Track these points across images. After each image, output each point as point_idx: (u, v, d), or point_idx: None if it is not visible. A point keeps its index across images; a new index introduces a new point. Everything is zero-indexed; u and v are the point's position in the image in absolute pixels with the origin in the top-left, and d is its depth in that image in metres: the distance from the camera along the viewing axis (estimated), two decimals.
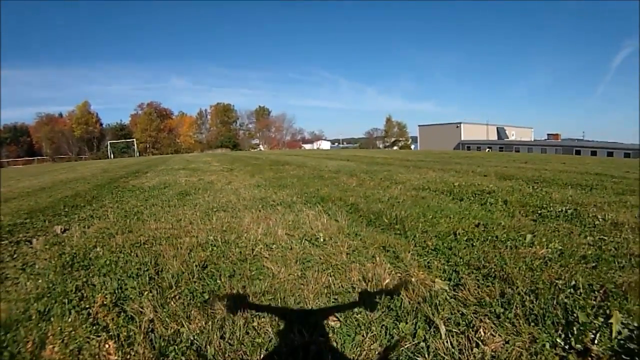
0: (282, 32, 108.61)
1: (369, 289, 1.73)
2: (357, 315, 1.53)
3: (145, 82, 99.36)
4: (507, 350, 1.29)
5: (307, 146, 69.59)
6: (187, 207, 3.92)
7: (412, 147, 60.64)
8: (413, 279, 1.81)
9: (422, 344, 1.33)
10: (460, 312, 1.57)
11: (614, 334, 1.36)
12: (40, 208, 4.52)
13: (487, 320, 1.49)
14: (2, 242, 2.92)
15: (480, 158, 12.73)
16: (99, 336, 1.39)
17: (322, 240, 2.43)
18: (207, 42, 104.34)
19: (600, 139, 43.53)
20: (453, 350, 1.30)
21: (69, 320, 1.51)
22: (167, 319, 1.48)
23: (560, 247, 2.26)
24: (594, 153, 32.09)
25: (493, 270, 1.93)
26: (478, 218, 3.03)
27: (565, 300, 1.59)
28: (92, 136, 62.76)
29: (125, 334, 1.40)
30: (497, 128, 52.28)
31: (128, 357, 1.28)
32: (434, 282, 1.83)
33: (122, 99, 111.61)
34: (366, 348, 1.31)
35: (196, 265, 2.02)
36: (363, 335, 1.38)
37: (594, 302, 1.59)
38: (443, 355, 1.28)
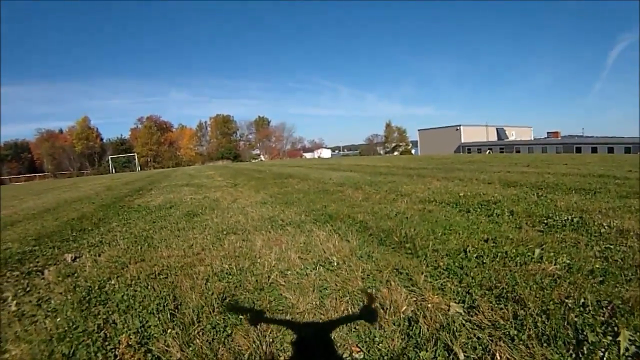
0: (281, 41, 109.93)
1: (387, 317, 1.76)
2: (379, 345, 1.56)
3: (144, 96, 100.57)
4: None
5: (308, 155, 69.76)
6: (196, 230, 3.97)
7: (413, 151, 60.75)
8: (429, 305, 1.85)
9: None
10: (477, 336, 1.61)
11: (621, 351, 1.42)
12: (47, 233, 4.56)
13: (502, 344, 1.53)
14: (14, 273, 2.94)
15: (482, 162, 12.78)
16: None
17: (335, 264, 2.47)
18: (205, 53, 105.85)
19: (600, 134, 43.60)
20: None
21: None
22: (194, 357, 1.51)
23: (568, 261, 2.29)
24: (594, 149, 32.12)
25: (505, 290, 1.97)
26: (486, 232, 3.07)
27: (575, 319, 1.64)
28: (93, 151, 63.22)
29: None
30: (496, 129, 52.42)
31: None
32: (449, 306, 1.87)
33: (121, 113, 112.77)
34: None
35: (215, 298, 2.05)
36: None
37: (603, 319, 1.63)
38: None
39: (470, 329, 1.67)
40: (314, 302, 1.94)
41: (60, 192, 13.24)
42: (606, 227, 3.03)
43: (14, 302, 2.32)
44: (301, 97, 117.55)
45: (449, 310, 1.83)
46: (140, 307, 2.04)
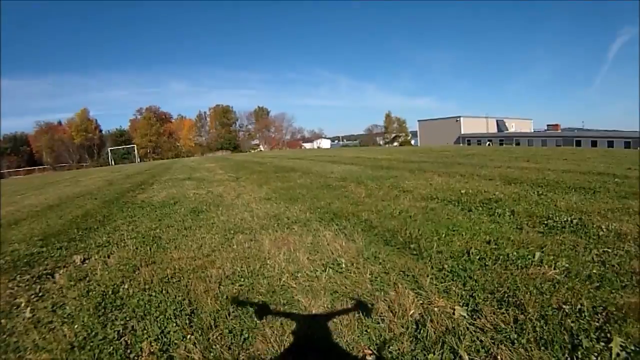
0: (280, 32, 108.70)
1: (396, 320, 1.85)
2: (390, 347, 1.65)
3: (143, 87, 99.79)
4: None
5: (307, 145, 69.64)
6: (203, 228, 4.04)
7: (412, 142, 60.65)
8: (435, 308, 1.94)
9: None
10: (480, 340, 1.71)
11: (613, 357, 1.53)
12: (53, 232, 4.59)
13: (503, 347, 1.63)
14: (24, 277, 2.92)
15: (482, 156, 12.82)
16: None
17: (344, 266, 2.55)
18: (204, 44, 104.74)
19: (600, 127, 43.58)
20: None
21: None
22: None
23: (567, 265, 2.38)
24: (594, 143, 32.15)
25: (506, 294, 2.06)
26: (488, 233, 3.15)
27: (572, 324, 1.74)
28: (92, 143, 62.92)
29: None
30: (496, 121, 52.29)
31: None
32: (453, 309, 1.96)
33: (120, 104, 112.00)
34: None
35: (230, 301, 2.13)
36: None
37: (597, 324, 1.74)
38: None
39: (474, 332, 1.77)
40: (325, 305, 2.03)
41: (61, 186, 13.28)
42: (604, 230, 3.11)
43: (28, 308, 2.31)
44: (301, 88, 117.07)
45: (453, 313, 1.93)
46: (158, 313, 2.08)
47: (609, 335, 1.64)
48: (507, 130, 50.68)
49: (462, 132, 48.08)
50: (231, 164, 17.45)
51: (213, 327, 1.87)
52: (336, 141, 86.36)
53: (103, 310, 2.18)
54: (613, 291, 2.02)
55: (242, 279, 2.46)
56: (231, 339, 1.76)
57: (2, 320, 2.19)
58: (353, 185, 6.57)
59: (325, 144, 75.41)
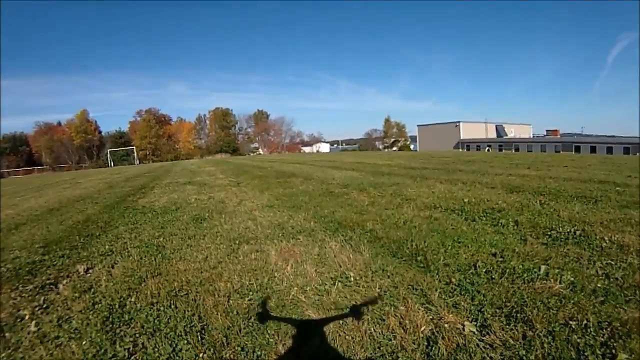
0: (280, 35, 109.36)
1: (407, 337, 1.86)
2: None
3: (143, 88, 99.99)
4: None
5: (306, 149, 69.71)
6: (207, 238, 4.04)
7: (412, 147, 60.80)
8: (445, 325, 1.95)
9: None
10: (490, 356, 1.73)
11: None
12: (54, 239, 4.53)
13: None
14: (27, 287, 2.86)
15: (482, 162, 12.88)
16: None
17: (352, 279, 2.56)
18: (204, 46, 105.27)
19: (599, 133, 43.86)
20: None
21: None
22: None
23: (572, 279, 2.41)
24: (593, 149, 32.35)
25: (514, 309, 2.08)
26: (493, 245, 3.17)
27: (578, 340, 1.76)
28: (92, 144, 62.95)
29: None
30: (496, 126, 52.56)
31: None
32: (463, 325, 1.97)
33: (120, 105, 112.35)
34: None
35: (240, 317, 2.13)
36: None
37: (602, 340, 1.76)
38: None
39: (484, 349, 1.78)
40: (337, 321, 2.04)
41: (60, 188, 13.24)
42: (607, 242, 3.14)
43: (33, 321, 2.25)
44: (300, 91, 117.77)
45: (463, 329, 1.94)
46: (168, 329, 2.04)
47: (614, 351, 1.66)
48: (507, 135, 50.93)
49: (462, 138, 48.27)
50: (231, 168, 17.45)
51: (225, 344, 1.86)
52: (335, 145, 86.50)
53: (111, 326, 2.13)
54: (617, 305, 2.04)
55: (252, 293, 2.45)
56: (244, 356, 1.76)
57: (7, 334, 2.15)
58: (355, 193, 6.59)
59: (325, 148, 75.53)
